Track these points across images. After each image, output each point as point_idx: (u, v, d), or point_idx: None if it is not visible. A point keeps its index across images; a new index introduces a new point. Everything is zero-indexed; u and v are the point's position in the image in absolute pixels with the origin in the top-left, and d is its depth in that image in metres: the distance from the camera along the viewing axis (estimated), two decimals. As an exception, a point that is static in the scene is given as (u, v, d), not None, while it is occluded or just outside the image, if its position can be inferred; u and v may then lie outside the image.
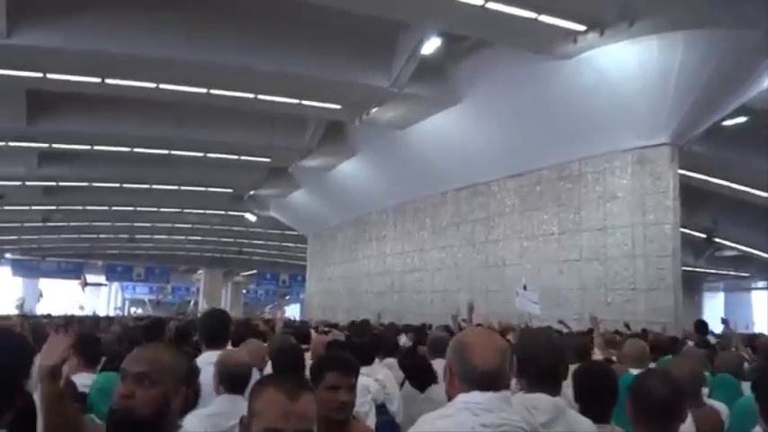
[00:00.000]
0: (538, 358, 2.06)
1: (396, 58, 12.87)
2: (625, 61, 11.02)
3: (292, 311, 53.29)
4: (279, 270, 45.18)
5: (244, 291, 52.09)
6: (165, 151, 18.77)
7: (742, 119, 14.07)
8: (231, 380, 2.88)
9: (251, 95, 13.89)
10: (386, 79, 13.10)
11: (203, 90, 13.58)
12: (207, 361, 3.00)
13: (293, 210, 26.56)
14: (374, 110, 14.37)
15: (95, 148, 18.19)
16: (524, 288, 9.21)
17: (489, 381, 1.77)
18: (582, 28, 10.23)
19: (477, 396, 1.75)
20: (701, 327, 8.72)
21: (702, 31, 10.06)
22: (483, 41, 12.65)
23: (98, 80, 12.77)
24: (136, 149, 18.53)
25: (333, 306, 23.35)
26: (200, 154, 18.90)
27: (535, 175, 14.18)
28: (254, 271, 45.94)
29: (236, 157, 19.30)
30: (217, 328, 3.53)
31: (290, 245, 36.39)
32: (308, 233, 28.35)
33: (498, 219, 15.32)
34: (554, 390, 1.98)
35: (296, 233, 30.45)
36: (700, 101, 10.98)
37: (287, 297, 54.29)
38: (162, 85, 13.27)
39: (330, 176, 21.02)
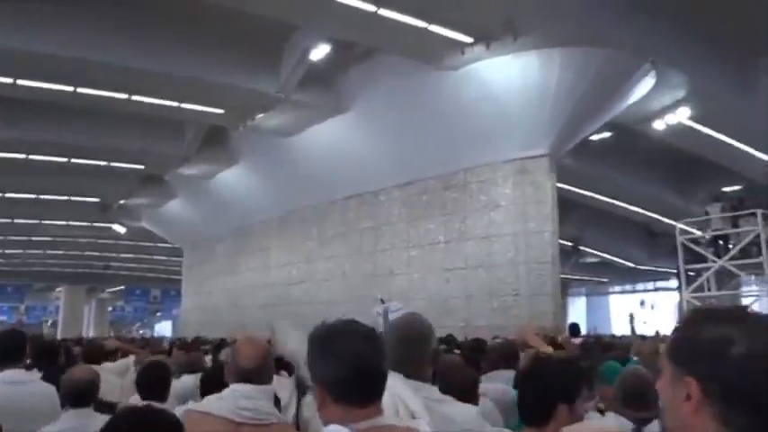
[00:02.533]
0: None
1: (284, 64, 12.56)
2: (508, 74, 11.45)
3: (163, 329, 50.58)
4: (149, 285, 42.64)
5: (110, 308, 48.69)
6: (22, 156, 16.99)
7: (607, 134, 15.13)
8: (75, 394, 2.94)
9: (124, 96, 12.92)
10: (273, 84, 12.72)
11: (69, 88, 12.43)
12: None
13: (168, 220, 25.12)
14: (259, 116, 13.91)
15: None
16: (381, 302, 8.53)
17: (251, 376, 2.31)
18: (469, 40, 10.50)
19: (240, 386, 2.29)
20: (574, 329, 9.20)
21: (579, 48, 10.68)
22: (372, 50, 12.65)
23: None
24: (-12, 153, 16.65)
25: (212, 321, 22.23)
26: (64, 159, 17.32)
27: (422, 185, 14.35)
28: (122, 287, 43.03)
29: (105, 163, 17.89)
30: (12, 347, 3.51)
31: (163, 258, 34.51)
32: (184, 245, 26.94)
33: (386, 228, 15.34)
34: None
35: (169, 245, 28.85)
36: (575, 114, 11.63)
37: (158, 313, 51.43)
38: (20, 81, 11.98)
39: (210, 185, 20.10)
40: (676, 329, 1.07)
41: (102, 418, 2.05)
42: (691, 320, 1.07)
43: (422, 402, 1.88)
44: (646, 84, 12.01)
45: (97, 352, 5.65)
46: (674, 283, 33.32)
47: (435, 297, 13.77)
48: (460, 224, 13.49)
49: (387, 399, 1.69)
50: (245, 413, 2.18)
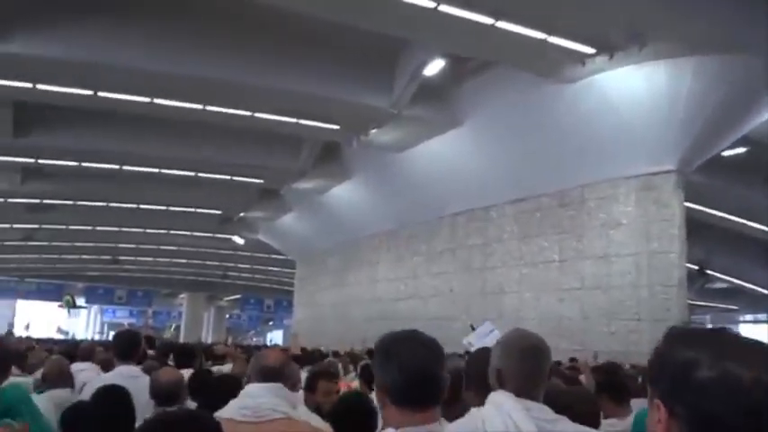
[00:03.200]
0: None
1: (397, 79, 12.65)
2: (632, 86, 10.87)
3: (275, 337, 52.43)
4: (263, 295, 44.48)
5: (227, 316, 51.21)
6: (155, 170, 18.32)
7: (741, 149, 13.97)
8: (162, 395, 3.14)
9: (247, 113, 13.56)
10: (386, 100, 12.86)
11: (198, 106, 13.22)
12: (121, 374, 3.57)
13: (282, 233, 26.08)
14: (373, 131, 14.09)
15: (82, 164, 17.69)
16: (472, 329, 8.09)
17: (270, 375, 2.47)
18: (591, 51, 10.07)
19: (251, 386, 2.47)
20: None
21: (711, 57, 9.95)
22: (486, 63, 12.49)
23: (90, 93, 12.38)
24: (124, 167, 18.06)
25: (320, 332, 22.73)
26: (191, 173, 18.47)
27: (535, 201, 13.92)
28: (239, 296, 45.18)
29: (228, 177, 18.88)
30: (128, 346, 3.96)
31: (276, 269, 35.84)
32: (297, 257, 27.84)
33: (496, 245, 15.00)
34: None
35: (283, 257, 29.94)
36: (707, 127, 10.83)
37: (270, 323, 53.49)
38: (156, 100, 12.90)
39: (323, 199, 20.65)
40: (654, 350, 1.06)
41: None
42: (665, 341, 1.05)
43: (534, 423, 1.74)
44: (788, 94, 10.97)
45: (210, 355, 6.26)
46: (815, 313, 30.28)
47: (548, 317, 13.25)
48: (577, 242, 12.92)
49: (497, 418, 1.74)
50: (245, 411, 2.27)
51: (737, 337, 1.02)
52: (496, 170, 14.22)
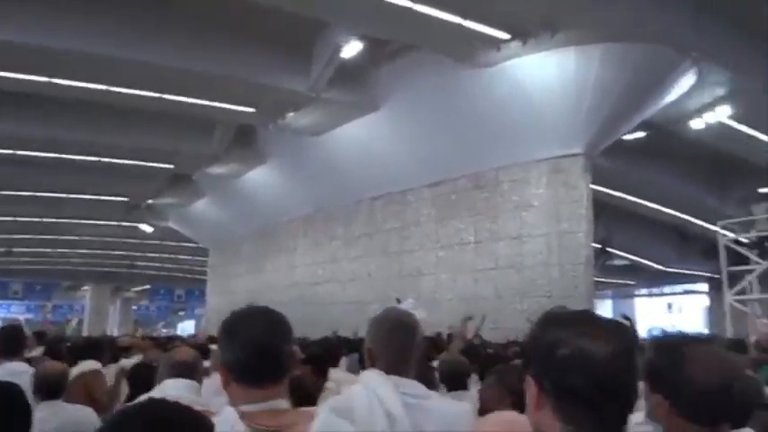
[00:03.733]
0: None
1: (315, 61, 12.47)
2: (544, 72, 11.24)
3: (187, 328, 50.91)
4: (174, 284, 43.05)
5: (134, 307, 49.17)
6: (54, 154, 17.15)
7: (641, 133, 14.80)
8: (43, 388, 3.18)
9: (156, 95, 12.93)
10: (304, 83, 12.65)
11: (102, 87, 12.47)
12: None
13: (194, 220, 25.24)
14: (290, 114, 13.84)
15: (-30, 148, 16.33)
16: (398, 302, 8.48)
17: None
18: (506, 36, 10.30)
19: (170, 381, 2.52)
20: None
21: (619, 44, 10.43)
22: (404, 47, 12.53)
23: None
24: (19, 152, 16.80)
25: (237, 321, 22.27)
26: (95, 158, 17.44)
27: (451, 184, 14.18)
28: (147, 286, 43.48)
29: (134, 162, 17.99)
30: (11, 341, 3.91)
31: (188, 257, 34.74)
32: (210, 245, 27.05)
33: (414, 228, 15.19)
34: None
35: (195, 245, 29.00)
36: (613, 113, 11.38)
37: (181, 313, 51.84)
38: (55, 80, 12.03)
39: (237, 184, 20.13)
40: (529, 333, 1.16)
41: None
42: (538, 325, 1.15)
43: (400, 400, 1.77)
44: (687, 81, 11.71)
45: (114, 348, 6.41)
46: (702, 286, 32.84)
47: (464, 298, 13.59)
48: (491, 224, 13.30)
49: (363, 396, 1.76)
50: None
51: (595, 317, 1.14)
52: (413, 154, 14.35)
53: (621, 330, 1.12)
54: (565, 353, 1.06)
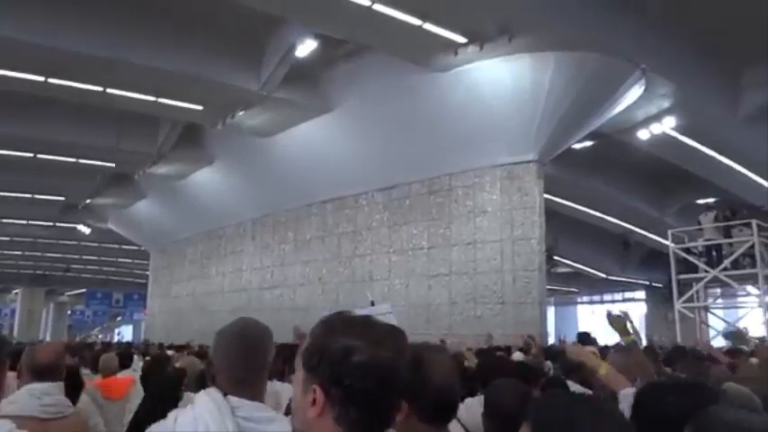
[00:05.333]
0: None
1: (267, 59, 12.14)
2: (500, 77, 11.24)
3: (125, 333, 49.07)
4: (111, 288, 41.38)
5: (69, 312, 47.09)
6: (-17, 149, 16.14)
7: (588, 142, 15.05)
8: None
9: (98, 88, 12.29)
10: (255, 81, 12.29)
11: (40, 78, 11.75)
12: None
13: (135, 222, 24.28)
14: (239, 113, 13.41)
15: None
16: (372, 304, 8.17)
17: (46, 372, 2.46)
18: (463, 40, 10.24)
19: (38, 385, 2.43)
20: (583, 338, 8.78)
21: (573, 53, 10.52)
22: (359, 48, 12.32)
23: None
24: (-55, 146, 15.74)
25: (179, 326, 21.50)
26: (29, 154, 16.48)
27: (405, 189, 14.05)
28: (83, 290, 41.65)
29: (73, 159, 17.09)
30: None
31: (127, 260, 33.52)
32: (151, 247, 26.09)
33: (366, 232, 14.98)
34: None
35: (135, 247, 27.95)
36: (565, 120, 11.48)
37: (119, 318, 49.94)
38: (-13, 69, 11.27)
39: (182, 185, 19.46)
40: (310, 340, 1.18)
41: None
42: (321, 331, 1.19)
43: (233, 424, 1.59)
44: (635, 92, 11.94)
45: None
46: (641, 294, 33.84)
47: (417, 304, 13.47)
48: (445, 230, 13.22)
49: (189, 418, 1.62)
50: (51, 409, 2.31)
51: (377, 323, 1.20)
52: (366, 157, 14.15)
53: (399, 335, 1.20)
54: (362, 359, 1.10)
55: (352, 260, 15.27)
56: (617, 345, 4.00)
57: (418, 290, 13.53)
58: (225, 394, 1.65)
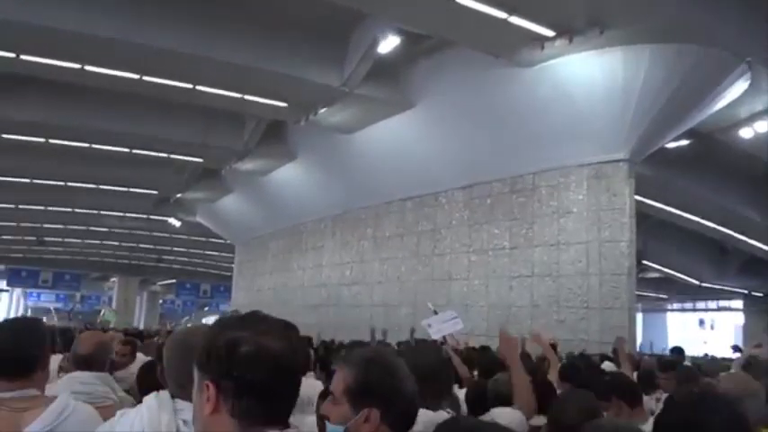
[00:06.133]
0: None
1: (349, 56, 12.14)
2: (588, 72, 10.74)
3: (212, 324, 51.08)
4: (200, 280, 43.20)
5: (161, 301, 49.54)
6: (85, 144, 17.10)
7: (684, 141, 14.17)
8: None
9: (188, 86, 12.72)
10: (337, 78, 12.33)
11: (135, 76, 12.29)
12: None
13: (222, 216, 25.15)
14: (322, 110, 13.52)
15: (3, 136, 16.32)
16: (435, 313, 7.70)
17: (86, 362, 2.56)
18: (551, 33, 9.82)
19: (77, 373, 2.54)
20: (678, 351, 8.24)
21: (669, 45, 9.88)
22: (441, 43, 12.11)
23: (11, 55, 11.27)
24: (51, 140, 16.78)
25: (261, 319, 22.06)
26: (126, 150, 17.36)
27: (486, 187, 13.71)
28: (173, 280, 43.68)
29: (165, 155, 17.86)
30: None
31: (214, 253, 34.78)
32: (237, 241, 26.95)
33: (445, 231, 14.76)
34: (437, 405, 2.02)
35: (222, 241, 28.96)
36: (660, 118, 10.82)
37: (206, 308, 52.08)
38: (87, 67, 11.88)
39: (266, 181, 19.92)
40: (204, 341, 1.20)
41: None
42: (210, 329, 1.23)
43: (170, 419, 1.62)
44: (739, 86, 11.08)
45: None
46: (737, 303, 31.75)
47: (497, 305, 13.14)
48: (527, 230, 12.80)
49: (127, 419, 1.66)
50: (81, 397, 2.30)
51: (267, 317, 1.22)
52: (447, 154, 13.94)
53: (290, 327, 1.21)
54: (249, 350, 1.13)
55: (431, 259, 15.09)
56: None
57: (498, 291, 13.19)
58: (173, 397, 1.69)
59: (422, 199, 15.42)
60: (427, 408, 1.88)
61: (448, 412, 1.96)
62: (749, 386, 2.70)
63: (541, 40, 10.03)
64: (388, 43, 11.45)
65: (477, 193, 13.95)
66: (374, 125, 14.56)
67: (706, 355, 21.94)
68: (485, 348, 8.07)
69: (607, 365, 6.34)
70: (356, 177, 16.64)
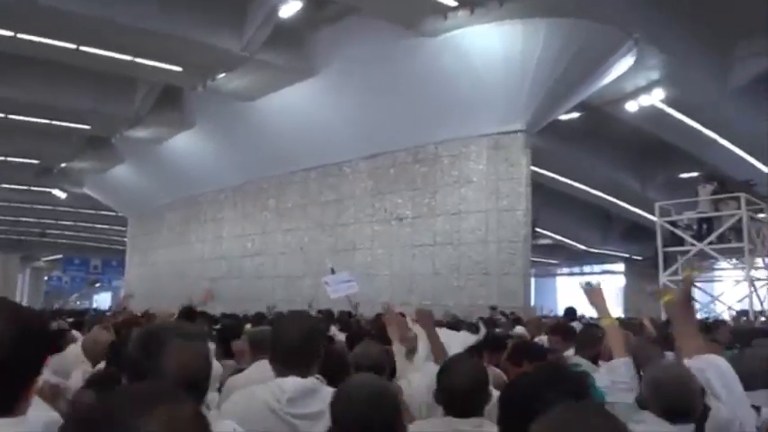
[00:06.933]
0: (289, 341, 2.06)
1: (249, 20, 11.71)
2: (490, 44, 10.97)
3: (103, 300, 48.63)
4: (89, 254, 40.76)
5: (45, 278, 46.45)
6: (-46, 109, 15.53)
7: (576, 114, 14.87)
8: None
9: (72, 45, 11.76)
10: (237, 42, 11.86)
11: (8, 33, 11.20)
12: None
13: (113, 187, 23.75)
14: (220, 76, 13.00)
15: None
16: (332, 272, 7.87)
17: None
18: (454, 3, 9.92)
19: None
20: (570, 313, 8.61)
21: (564, 20, 10.26)
22: (346, 10, 11.92)
23: None
24: None
25: (158, 294, 21.17)
26: (1, 115, 15.89)
27: (390, 157, 13.79)
28: (60, 256, 40.99)
29: (47, 121, 16.52)
30: None
31: (104, 226, 32.93)
32: (130, 213, 25.62)
33: (349, 201, 14.75)
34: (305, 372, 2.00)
35: (113, 213, 27.42)
36: (555, 90, 11.27)
37: (97, 285, 49.42)
38: (-47, 23, 10.71)
39: (161, 150, 18.98)
40: None
41: None
42: None
43: None
44: (626, 62, 11.76)
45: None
46: (619, 266, 34.15)
47: (400, 274, 13.36)
48: (430, 199, 13.04)
49: None
50: None
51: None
52: (351, 123, 13.84)
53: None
54: None
55: (334, 229, 15.06)
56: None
57: (402, 260, 13.39)
58: None
59: (325, 168, 15.29)
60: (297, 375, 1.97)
61: (317, 378, 2.02)
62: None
63: (444, 10, 10.13)
64: (290, 8, 11.14)
65: (381, 163, 14.01)
66: (276, 92, 14.17)
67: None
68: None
69: (519, 330, 6.60)
70: (258, 146, 16.19)
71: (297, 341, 2.01)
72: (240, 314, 9.50)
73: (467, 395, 2.06)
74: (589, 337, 3.57)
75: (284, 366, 1.99)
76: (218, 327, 5.75)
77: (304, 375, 1.96)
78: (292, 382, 1.91)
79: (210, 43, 11.67)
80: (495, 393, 2.03)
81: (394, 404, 1.73)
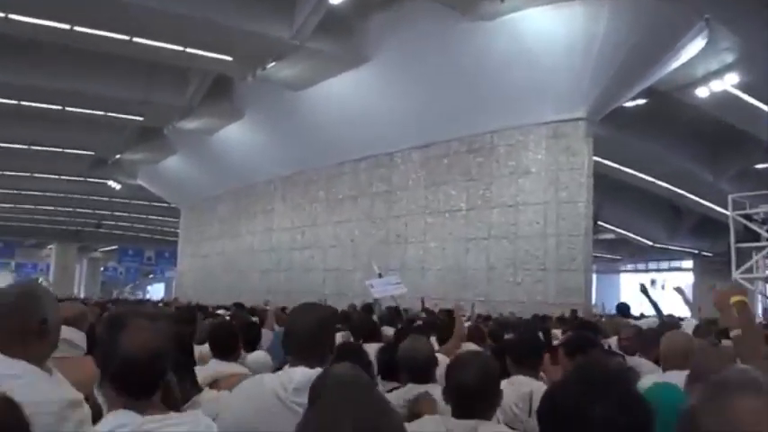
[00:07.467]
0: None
1: (299, 7, 11.43)
2: (548, 27, 10.41)
3: (156, 291, 49.77)
4: (143, 246, 41.70)
5: (102, 268, 47.83)
6: (14, 101, 15.83)
7: (642, 100, 14.07)
8: None
9: (125, 37, 11.75)
10: (287, 30, 11.61)
11: (66, 26, 11.24)
12: None
13: (165, 178, 24.06)
14: (270, 65, 12.78)
15: None
16: (379, 276, 8.11)
17: None
18: (513, -16, 9.37)
19: None
20: (623, 310, 8.12)
21: (630, 0, 9.60)
22: (398, -5, 11.50)
23: None
24: (-25, 98, 15.46)
25: (209, 285, 21.38)
26: (58, 107, 16.15)
27: (443, 147, 13.36)
28: (115, 246, 42.08)
29: (102, 113, 16.72)
30: None
31: (158, 218, 33.58)
32: (182, 205, 25.93)
33: (401, 192, 14.39)
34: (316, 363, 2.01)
35: (166, 204, 27.83)
36: (619, 75, 10.62)
37: (150, 275, 50.64)
38: (12, 16, 10.78)
39: (212, 141, 19.02)
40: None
41: None
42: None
43: None
44: (696, 44, 10.97)
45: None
46: (688, 263, 32.62)
47: (453, 268, 12.94)
48: (485, 191, 12.54)
49: None
50: None
51: None
52: (403, 113, 13.45)
53: None
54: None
55: (386, 221, 14.73)
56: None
57: (455, 253, 12.96)
58: None
59: (376, 159, 14.95)
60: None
61: None
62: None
63: (502, -9, 9.58)
64: (341, -7, 10.79)
65: (434, 153, 13.58)
66: (326, 81, 13.89)
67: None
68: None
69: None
70: (307, 137, 15.99)
71: (307, 333, 2.07)
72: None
73: (473, 394, 2.03)
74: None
75: (296, 357, 2.05)
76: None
77: (314, 366, 1.99)
78: (300, 372, 1.97)
79: (260, 32, 11.48)
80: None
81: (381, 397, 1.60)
